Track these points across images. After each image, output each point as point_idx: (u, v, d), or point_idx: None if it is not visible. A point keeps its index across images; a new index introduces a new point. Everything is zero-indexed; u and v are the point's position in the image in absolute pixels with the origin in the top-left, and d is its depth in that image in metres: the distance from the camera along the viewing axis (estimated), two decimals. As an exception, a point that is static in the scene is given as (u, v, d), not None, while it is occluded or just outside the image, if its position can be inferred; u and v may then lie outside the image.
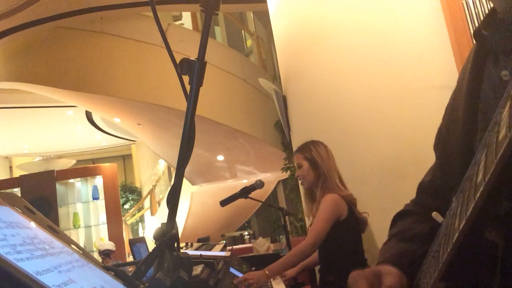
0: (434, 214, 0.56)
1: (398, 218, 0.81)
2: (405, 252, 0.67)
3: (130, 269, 0.80)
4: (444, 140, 0.70)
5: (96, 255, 4.62)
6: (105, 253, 4.53)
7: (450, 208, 0.47)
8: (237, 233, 8.41)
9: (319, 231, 2.02)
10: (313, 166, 2.19)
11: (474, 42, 0.64)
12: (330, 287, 2.09)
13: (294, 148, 3.37)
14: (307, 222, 2.88)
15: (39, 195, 5.63)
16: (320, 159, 2.19)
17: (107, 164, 6.33)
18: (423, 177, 0.79)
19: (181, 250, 0.71)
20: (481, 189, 0.34)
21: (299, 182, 2.30)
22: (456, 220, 0.39)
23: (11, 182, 6.24)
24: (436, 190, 0.73)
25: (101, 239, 5.93)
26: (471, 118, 0.60)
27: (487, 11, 0.58)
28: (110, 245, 4.65)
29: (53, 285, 0.41)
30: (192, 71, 0.73)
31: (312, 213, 2.20)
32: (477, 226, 0.36)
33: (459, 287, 0.42)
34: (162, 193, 10.97)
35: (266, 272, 1.90)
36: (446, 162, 0.68)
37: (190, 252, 1.62)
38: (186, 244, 2.05)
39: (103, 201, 5.97)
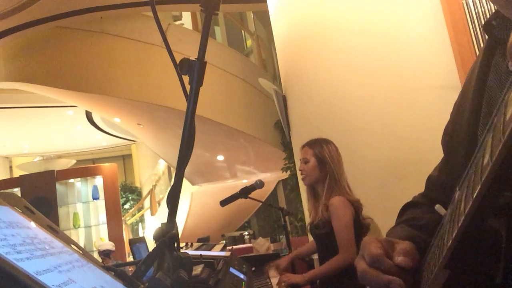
0: (437, 207, 0.55)
1: (407, 207, 0.81)
2: (415, 237, 0.66)
3: (130, 269, 0.80)
4: (449, 135, 0.69)
5: (96, 255, 4.62)
6: (104, 253, 4.52)
7: (453, 198, 0.47)
8: (237, 233, 8.42)
9: (350, 239, 1.99)
10: (320, 165, 2.13)
11: (485, 36, 0.63)
12: (330, 286, 2.09)
13: (295, 148, 3.37)
14: (307, 222, 2.87)
15: (39, 195, 5.63)
16: (330, 159, 2.13)
17: (107, 164, 6.33)
18: (431, 171, 0.79)
19: (181, 250, 0.71)
20: (488, 170, 0.33)
21: (301, 176, 2.23)
22: (462, 204, 0.39)
23: (11, 182, 6.24)
24: (442, 185, 0.73)
25: (101, 239, 5.92)
26: (476, 111, 0.59)
27: (487, 11, 0.57)
28: (109, 245, 4.65)
29: (53, 285, 0.41)
30: (192, 71, 0.73)
31: (316, 212, 2.16)
32: (482, 210, 0.36)
33: (463, 274, 0.42)
34: (162, 193, 10.97)
35: (306, 278, 2.02)
36: (451, 157, 0.67)
37: (190, 252, 1.61)
38: (186, 244, 2.05)
39: (103, 201, 5.97)
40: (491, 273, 0.41)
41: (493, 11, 0.58)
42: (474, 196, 0.35)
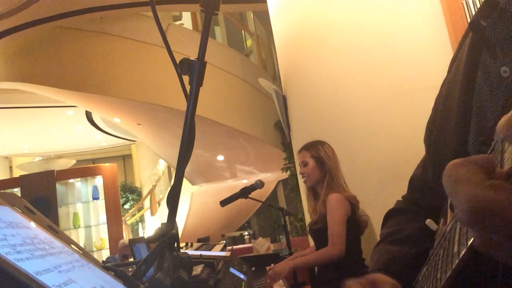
0: (428, 222, 0.55)
1: (389, 216, 0.80)
2: (396, 256, 0.66)
3: (130, 269, 0.80)
4: (436, 136, 0.67)
5: (96, 255, 4.61)
6: (124, 255, 4.48)
7: (444, 214, 0.46)
8: (237, 233, 8.42)
9: (341, 233, 2.05)
10: (319, 165, 2.22)
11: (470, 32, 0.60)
12: (329, 284, 2.10)
13: (295, 148, 3.37)
14: (307, 222, 2.88)
15: (39, 195, 5.63)
16: (327, 159, 2.22)
17: (107, 164, 6.33)
18: (413, 171, 0.78)
19: (181, 250, 0.71)
20: None
21: (303, 180, 2.30)
22: (455, 246, 0.39)
23: (11, 182, 6.24)
24: (426, 186, 0.72)
25: (101, 239, 5.93)
26: (464, 117, 0.57)
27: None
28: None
29: (53, 285, 0.41)
30: (192, 71, 0.73)
31: (316, 211, 2.21)
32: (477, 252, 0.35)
33: None
34: (162, 193, 10.97)
35: (291, 264, 2.09)
36: (438, 160, 0.66)
37: (190, 252, 1.61)
38: (186, 244, 2.04)
39: (103, 201, 5.97)
40: None
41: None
42: (469, 242, 0.34)
